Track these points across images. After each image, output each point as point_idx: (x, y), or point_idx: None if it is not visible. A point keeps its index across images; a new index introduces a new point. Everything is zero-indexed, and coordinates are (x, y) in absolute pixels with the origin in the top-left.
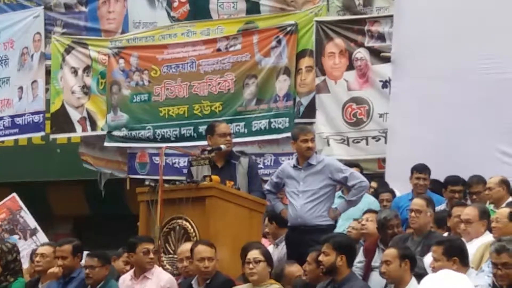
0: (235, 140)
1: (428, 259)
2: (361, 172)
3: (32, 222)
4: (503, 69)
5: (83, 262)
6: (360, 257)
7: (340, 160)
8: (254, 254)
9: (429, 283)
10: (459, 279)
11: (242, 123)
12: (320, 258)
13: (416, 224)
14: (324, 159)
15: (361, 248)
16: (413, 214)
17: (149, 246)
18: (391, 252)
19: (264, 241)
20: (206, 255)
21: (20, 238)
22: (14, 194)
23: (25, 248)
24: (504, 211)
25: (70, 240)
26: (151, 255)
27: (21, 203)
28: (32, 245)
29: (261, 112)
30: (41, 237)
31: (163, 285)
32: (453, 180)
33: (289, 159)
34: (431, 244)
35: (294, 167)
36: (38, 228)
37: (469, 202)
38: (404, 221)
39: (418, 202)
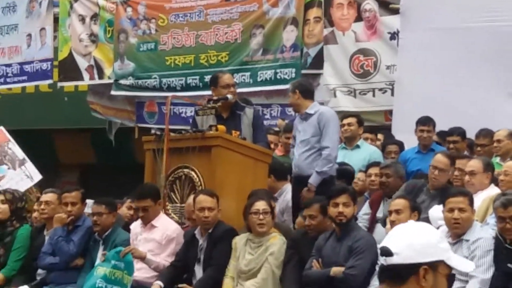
0: (240, 90)
1: (434, 211)
2: (361, 123)
3: (20, 153)
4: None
5: (87, 210)
6: (366, 209)
7: (347, 112)
8: (262, 205)
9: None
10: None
11: (247, 73)
12: (341, 209)
13: (436, 182)
14: (321, 108)
15: (367, 201)
16: (436, 172)
17: None
18: (402, 202)
19: None
20: (206, 205)
21: (9, 168)
22: (1, 127)
23: (13, 177)
24: None
25: (76, 187)
26: None
27: (8, 135)
28: (22, 174)
29: (267, 62)
30: (30, 167)
31: (169, 234)
32: (449, 131)
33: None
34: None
35: (300, 118)
36: (27, 158)
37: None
38: (410, 173)
39: (442, 161)
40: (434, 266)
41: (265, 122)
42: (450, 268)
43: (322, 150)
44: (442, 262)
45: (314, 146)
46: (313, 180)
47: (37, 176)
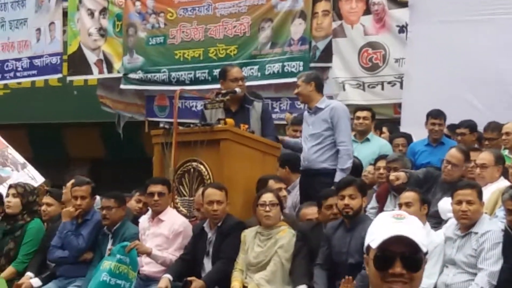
0: (248, 83)
1: (443, 203)
2: (373, 117)
3: (20, 158)
4: None
5: (96, 207)
6: (373, 203)
7: (356, 105)
8: (270, 197)
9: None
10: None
11: (256, 67)
12: (347, 201)
13: (449, 177)
14: (333, 103)
15: (374, 194)
16: (449, 167)
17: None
18: (412, 195)
19: None
20: (215, 198)
21: (13, 170)
22: None
23: (19, 178)
24: None
25: (88, 180)
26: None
27: (5, 142)
28: (25, 176)
29: (275, 55)
30: (32, 170)
31: (176, 228)
32: (458, 124)
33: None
34: None
35: (308, 111)
36: (27, 163)
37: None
38: (419, 166)
39: (456, 156)
40: (368, 252)
41: (274, 116)
42: (375, 249)
43: (339, 145)
44: (369, 247)
45: (325, 140)
46: (339, 178)
47: (40, 178)
